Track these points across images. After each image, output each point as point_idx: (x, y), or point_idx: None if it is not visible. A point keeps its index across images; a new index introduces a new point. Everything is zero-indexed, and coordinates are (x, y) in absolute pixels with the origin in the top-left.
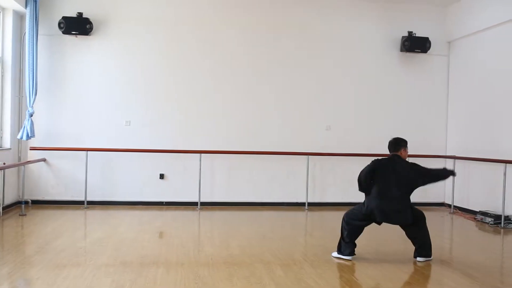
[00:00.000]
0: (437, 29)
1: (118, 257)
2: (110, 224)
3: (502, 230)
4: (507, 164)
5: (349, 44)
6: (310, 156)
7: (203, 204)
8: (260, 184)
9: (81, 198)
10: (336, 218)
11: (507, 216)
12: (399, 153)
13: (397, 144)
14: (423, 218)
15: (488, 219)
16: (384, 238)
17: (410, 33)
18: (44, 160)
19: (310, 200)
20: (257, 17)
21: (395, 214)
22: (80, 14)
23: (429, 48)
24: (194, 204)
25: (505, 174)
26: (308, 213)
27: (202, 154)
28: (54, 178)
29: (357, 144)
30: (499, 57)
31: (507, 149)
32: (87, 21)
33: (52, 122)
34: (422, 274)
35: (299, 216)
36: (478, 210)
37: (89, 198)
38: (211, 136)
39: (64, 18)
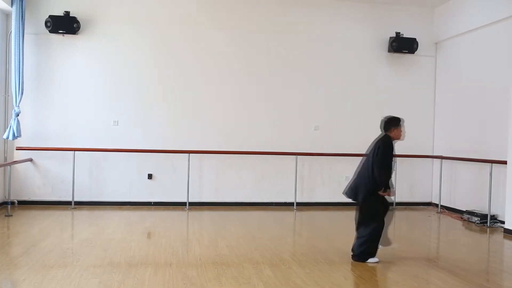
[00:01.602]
0: (424, 30)
1: (106, 257)
2: (98, 225)
3: (488, 229)
4: (493, 164)
5: (337, 45)
6: (298, 156)
7: (192, 204)
8: (249, 184)
9: (68, 198)
10: (324, 218)
11: (493, 216)
12: (388, 133)
13: (386, 123)
14: (375, 219)
15: (475, 219)
16: None
17: (397, 34)
18: (30, 160)
19: (298, 200)
20: (247, 18)
21: (349, 189)
22: (67, 13)
23: (416, 49)
24: (182, 204)
25: (491, 174)
26: (297, 213)
27: (190, 154)
28: (41, 178)
29: (345, 144)
30: (485, 58)
31: (493, 149)
32: (74, 20)
33: (39, 121)
34: (409, 273)
35: (287, 216)
36: (464, 210)
37: (77, 199)
38: (200, 136)
39: (51, 17)
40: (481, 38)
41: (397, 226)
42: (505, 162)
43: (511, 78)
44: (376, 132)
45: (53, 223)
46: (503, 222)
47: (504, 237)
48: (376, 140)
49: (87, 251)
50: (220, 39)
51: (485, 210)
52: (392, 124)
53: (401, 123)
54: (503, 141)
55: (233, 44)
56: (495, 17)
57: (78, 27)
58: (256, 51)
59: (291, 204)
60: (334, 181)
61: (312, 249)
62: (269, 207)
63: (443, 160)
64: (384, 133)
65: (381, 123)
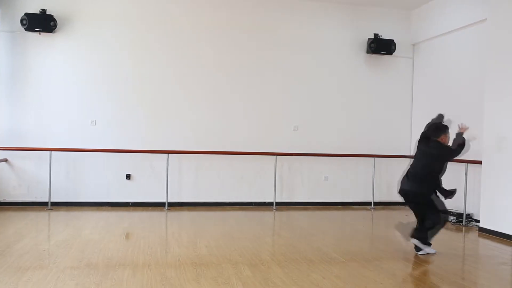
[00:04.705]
0: (402, 32)
1: (83, 259)
2: (75, 226)
3: (463, 228)
4: (468, 164)
5: (316, 46)
6: (277, 156)
7: (171, 204)
8: (228, 184)
9: (44, 199)
10: (303, 218)
11: (469, 215)
12: (438, 139)
13: (435, 130)
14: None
15: (451, 218)
16: (351, 237)
17: (376, 35)
18: (5, 160)
19: (278, 200)
20: (226, 18)
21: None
22: (43, 10)
23: (394, 50)
24: (161, 204)
25: (466, 173)
26: (276, 213)
27: (169, 154)
28: (17, 179)
29: (324, 144)
30: (461, 59)
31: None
32: (51, 18)
33: (15, 121)
34: (386, 272)
35: (267, 216)
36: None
37: (53, 199)
38: (179, 136)
39: (26, 14)
40: (456, 40)
41: (375, 225)
42: (480, 162)
43: (484, 80)
44: (354, 131)
45: (29, 224)
46: (478, 221)
47: (479, 235)
48: (425, 144)
49: (64, 252)
50: (199, 39)
51: (460, 209)
52: (442, 132)
53: (448, 129)
54: (478, 141)
55: (212, 44)
56: (469, 20)
57: (55, 26)
58: (235, 51)
59: (271, 204)
60: (313, 181)
61: (291, 249)
62: (249, 207)
63: None
64: (434, 139)
65: (429, 129)
